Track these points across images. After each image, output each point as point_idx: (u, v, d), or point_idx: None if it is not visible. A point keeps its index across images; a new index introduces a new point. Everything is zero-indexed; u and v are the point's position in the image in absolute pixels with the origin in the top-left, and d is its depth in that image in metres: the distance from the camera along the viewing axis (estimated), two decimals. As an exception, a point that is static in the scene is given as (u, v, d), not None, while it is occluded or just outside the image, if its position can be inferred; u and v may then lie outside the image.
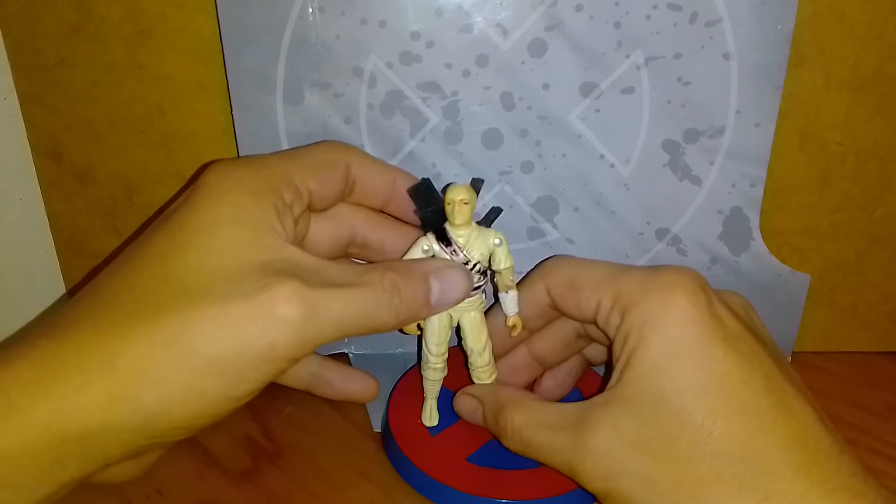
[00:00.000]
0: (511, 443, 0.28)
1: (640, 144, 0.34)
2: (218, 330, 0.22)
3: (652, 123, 0.33)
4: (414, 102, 0.33)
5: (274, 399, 0.36)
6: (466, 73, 0.32)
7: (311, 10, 0.31)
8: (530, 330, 0.32)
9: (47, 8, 0.32)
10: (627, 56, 0.32)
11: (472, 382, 0.32)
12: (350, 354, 0.38)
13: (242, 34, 0.32)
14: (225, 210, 0.25)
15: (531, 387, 0.33)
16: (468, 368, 0.32)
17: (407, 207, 0.31)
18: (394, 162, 0.34)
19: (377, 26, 0.31)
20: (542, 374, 0.34)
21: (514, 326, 0.31)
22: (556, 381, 0.33)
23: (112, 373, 0.22)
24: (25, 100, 0.34)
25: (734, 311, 0.26)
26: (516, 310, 0.31)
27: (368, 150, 0.34)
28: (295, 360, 0.24)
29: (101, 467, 0.23)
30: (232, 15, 0.31)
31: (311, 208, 0.29)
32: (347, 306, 0.24)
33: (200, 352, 0.22)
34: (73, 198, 0.36)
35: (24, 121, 0.35)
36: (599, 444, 0.25)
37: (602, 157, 0.34)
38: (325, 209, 0.30)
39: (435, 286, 0.27)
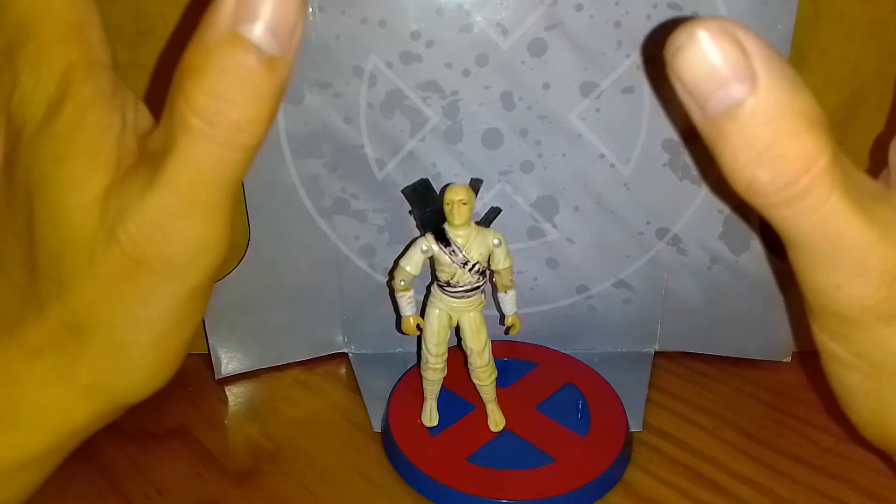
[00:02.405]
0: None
1: (640, 144, 0.34)
2: None
3: (652, 123, 0.33)
4: (414, 102, 0.33)
5: (274, 399, 0.36)
6: (466, 73, 0.32)
7: (311, 9, 0.31)
8: None
9: (47, 8, 0.32)
10: (627, 56, 0.32)
11: (472, 383, 0.32)
12: (350, 354, 0.38)
13: (242, 34, 0.31)
14: None
15: None
16: (468, 368, 0.32)
17: None
18: (394, 162, 0.34)
19: (377, 26, 0.31)
20: None
21: (512, 326, 0.31)
22: None
23: None
24: (25, 100, 0.34)
25: None
26: (515, 310, 0.31)
27: (368, 149, 0.34)
28: None
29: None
30: (232, 15, 0.31)
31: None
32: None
33: None
34: (73, 197, 0.36)
35: (25, 121, 0.35)
36: None
37: (602, 156, 0.34)
38: None
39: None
